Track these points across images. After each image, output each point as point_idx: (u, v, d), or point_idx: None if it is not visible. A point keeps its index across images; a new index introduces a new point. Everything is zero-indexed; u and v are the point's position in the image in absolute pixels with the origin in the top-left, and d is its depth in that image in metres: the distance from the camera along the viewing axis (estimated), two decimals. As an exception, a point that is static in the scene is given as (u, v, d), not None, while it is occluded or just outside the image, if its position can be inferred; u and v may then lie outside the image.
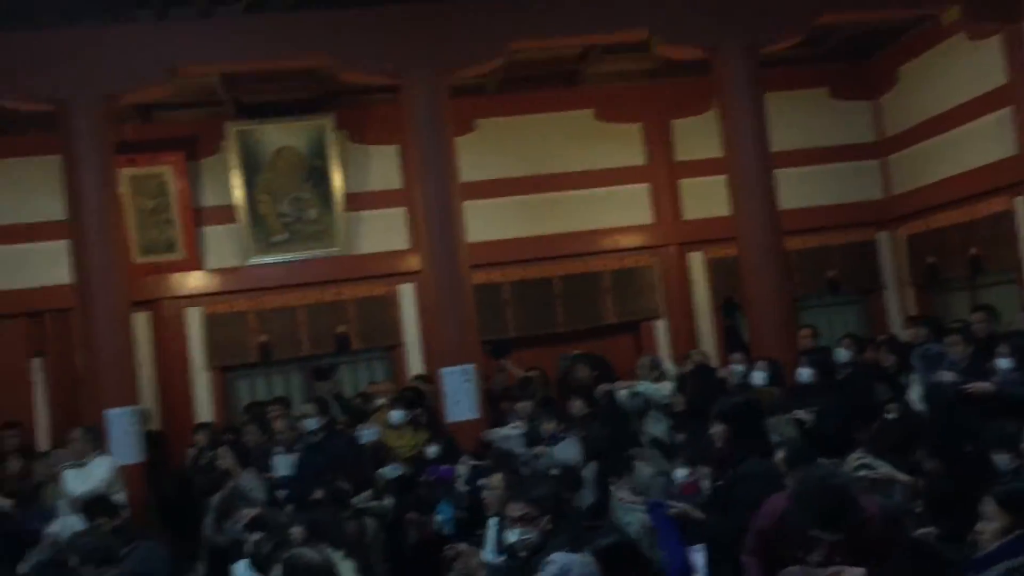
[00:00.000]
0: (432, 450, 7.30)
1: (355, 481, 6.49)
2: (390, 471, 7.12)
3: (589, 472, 6.20)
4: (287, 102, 9.86)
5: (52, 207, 9.00)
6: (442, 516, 6.39)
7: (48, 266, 9.23)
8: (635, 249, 10.72)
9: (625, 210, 10.69)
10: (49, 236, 9.23)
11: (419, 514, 6.76)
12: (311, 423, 7.27)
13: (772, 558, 3.80)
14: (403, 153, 10.06)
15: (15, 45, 7.59)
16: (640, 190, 10.81)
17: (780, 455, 4.91)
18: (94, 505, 5.94)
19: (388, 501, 6.67)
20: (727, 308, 9.36)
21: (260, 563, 4.89)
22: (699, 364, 8.50)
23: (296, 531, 4.90)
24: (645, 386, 7.73)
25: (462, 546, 4.52)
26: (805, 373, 7.44)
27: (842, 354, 8.01)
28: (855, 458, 5.54)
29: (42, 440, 9.23)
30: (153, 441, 8.30)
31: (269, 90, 9.56)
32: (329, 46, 8.09)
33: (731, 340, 9.89)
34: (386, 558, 6.42)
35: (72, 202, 7.81)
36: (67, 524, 6.14)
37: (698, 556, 4.34)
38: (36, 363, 9.63)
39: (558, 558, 3.52)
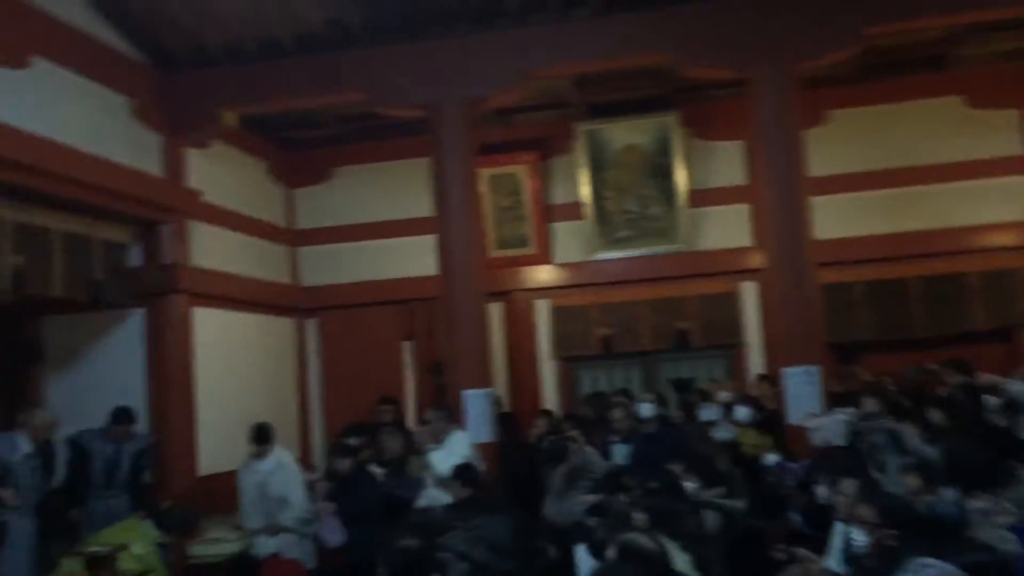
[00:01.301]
0: (771, 459, 7.13)
1: (702, 475, 6.48)
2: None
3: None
4: (633, 101, 10.06)
5: (421, 205, 10.10)
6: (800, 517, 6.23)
7: (417, 258, 10.23)
8: (1010, 248, 9.70)
9: (998, 205, 9.74)
10: (418, 231, 10.23)
11: (763, 516, 6.62)
12: (646, 408, 7.39)
13: None
14: (748, 149, 9.89)
15: (395, 57, 8.41)
16: (1016, 182, 9.78)
17: None
18: (461, 471, 6.43)
19: (738, 502, 6.58)
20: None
21: (596, 548, 5.01)
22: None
23: (639, 518, 4.97)
24: (1020, 387, 6.96)
25: (801, 551, 4.37)
26: None
27: None
28: None
29: (411, 415, 10.20)
30: (504, 422, 8.84)
31: (616, 90, 9.81)
32: (673, 43, 8.12)
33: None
34: (726, 555, 6.34)
35: (439, 200, 8.52)
36: (432, 497, 6.71)
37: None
38: (406, 346, 10.68)
39: (935, 564, 3.26)
